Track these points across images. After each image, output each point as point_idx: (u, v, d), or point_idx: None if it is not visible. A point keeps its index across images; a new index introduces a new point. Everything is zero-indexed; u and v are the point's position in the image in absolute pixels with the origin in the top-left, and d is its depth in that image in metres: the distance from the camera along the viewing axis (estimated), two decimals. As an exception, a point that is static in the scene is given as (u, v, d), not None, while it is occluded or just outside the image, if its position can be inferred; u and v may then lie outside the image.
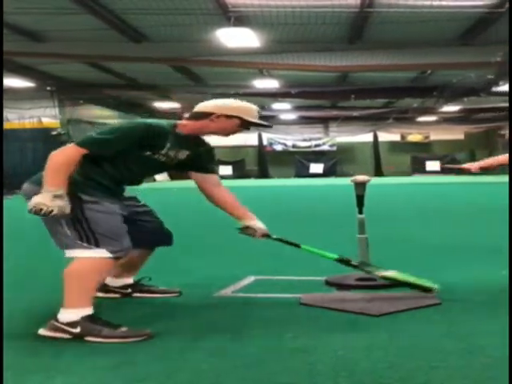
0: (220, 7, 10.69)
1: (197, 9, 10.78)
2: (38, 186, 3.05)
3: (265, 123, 3.78)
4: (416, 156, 32.64)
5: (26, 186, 3.22)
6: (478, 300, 3.61)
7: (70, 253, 3.11)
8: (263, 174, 32.80)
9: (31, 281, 4.54)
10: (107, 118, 22.99)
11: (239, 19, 11.20)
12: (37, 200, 2.94)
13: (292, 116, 29.95)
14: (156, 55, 14.59)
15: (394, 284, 4.01)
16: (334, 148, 33.36)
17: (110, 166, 3.20)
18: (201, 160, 3.60)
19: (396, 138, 33.20)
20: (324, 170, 32.50)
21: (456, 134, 32.34)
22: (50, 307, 3.25)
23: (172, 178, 29.77)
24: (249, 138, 32.84)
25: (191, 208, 12.49)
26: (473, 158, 32.10)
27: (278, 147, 33.82)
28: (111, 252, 3.09)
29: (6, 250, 4.98)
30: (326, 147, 33.61)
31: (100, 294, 3.62)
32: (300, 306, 3.58)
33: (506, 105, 22.50)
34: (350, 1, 10.34)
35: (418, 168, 32.22)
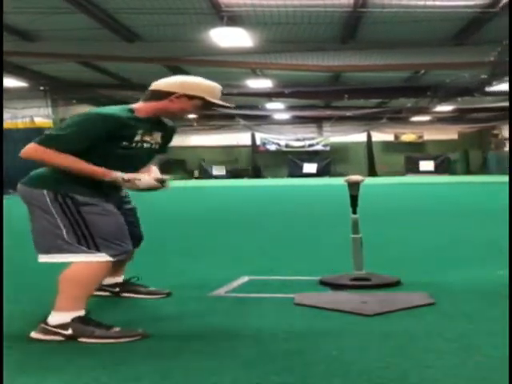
0: (213, 7, 10.68)
1: (190, 8, 10.77)
2: (32, 187, 3.03)
3: (228, 104, 3.43)
4: (410, 156, 32.69)
5: (19, 186, 3.13)
6: (473, 300, 3.61)
7: (53, 257, 3.00)
8: (256, 174, 32.80)
9: (23, 280, 4.51)
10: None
11: (232, 19, 11.19)
12: (145, 182, 3.05)
13: (285, 116, 29.95)
14: (149, 55, 14.55)
15: (388, 284, 4.02)
16: (328, 148, 33.38)
17: (100, 163, 3.05)
18: (166, 140, 3.41)
19: (390, 137, 33.25)
20: (317, 170, 32.52)
21: (450, 133, 32.41)
22: (44, 308, 3.24)
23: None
24: (242, 138, 32.89)
25: (183, 207, 12.49)
26: (466, 158, 32.26)
27: (272, 147, 33.82)
28: (112, 256, 3.02)
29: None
30: (319, 147, 33.63)
31: None
32: (294, 306, 3.57)
33: (500, 104, 22.56)
34: (343, 0, 10.34)
35: (412, 168, 32.27)
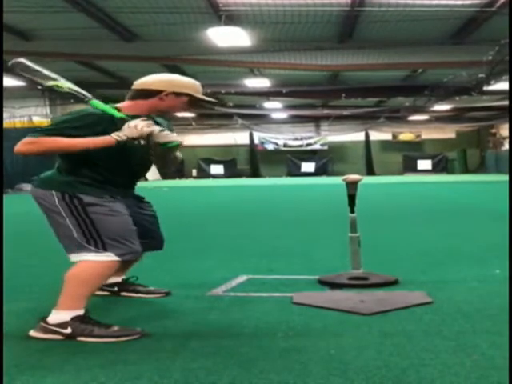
0: (211, 6, 10.69)
1: (188, 7, 10.79)
2: (41, 188, 3.08)
3: (212, 99, 3.46)
4: (407, 155, 32.74)
5: (31, 188, 3.18)
6: (470, 299, 3.61)
7: (76, 257, 3.03)
8: (254, 173, 32.81)
9: (23, 279, 4.51)
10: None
11: (230, 18, 11.21)
12: (130, 130, 2.96)
13: (283, 115, 29.97)
14: (147, 54, 14.57)
15: (385, 283, 4.03)
16: (326, 147, 33.41)
17: (101, 161, 3.09)
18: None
19: (387, 136, 33.29)
20: (315, 169, 32.57)
21: (447, 132, 32.46)
22: (43, 306, 3.24)
23: (163, 177, 29.75)
24: (240, 137, 32.89)
25: (183, 207, 12.49)
26: (464, 157, 32.28)
27: (270, 146, 33.85)
28: (119, 255, 3.04)
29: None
30: (317, 146, 33.67)
31: None
32: (292, 305, 3.57)
33: (498, 103, 22.60)
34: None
35: (410, 167, 32.32)
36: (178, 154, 3.24)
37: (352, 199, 4.21)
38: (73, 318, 2.95)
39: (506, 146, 29.18)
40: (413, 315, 3.26)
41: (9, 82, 17.39)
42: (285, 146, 33.64)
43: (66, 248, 3.10)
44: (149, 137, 3.01)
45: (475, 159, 32.82)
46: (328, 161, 32.83)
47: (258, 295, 3.85)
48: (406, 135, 33.51)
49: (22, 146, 2.98)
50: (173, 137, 3.07)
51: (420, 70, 18.06)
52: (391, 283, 4.06)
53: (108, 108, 3.11)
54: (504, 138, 30.52)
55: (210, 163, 32.91)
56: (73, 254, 3.05)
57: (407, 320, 3.17)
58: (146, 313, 3.49)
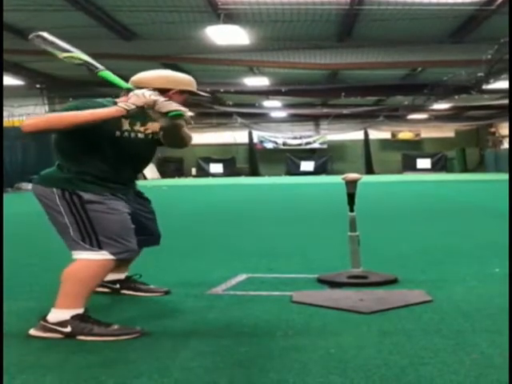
0: (210, 4, 10.69)
1: (187, 6, 10.78)
2: (42, 185, 3.08)
3: (205, 94, 3.54)
4: (407, 154, 32.75)
5: (32, 186, 3.19)
6: (469, 298, 3.61)
7: (74, 254, 3.05)
8: (254, 172, 32.81)
9: (23, 278, 4.51)
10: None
11: (229, 16, 11.21)
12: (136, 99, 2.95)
13: (282, 114, 29.96)
14: (146, 53, 14.56)
15: (385, 282, 4.03)
16: (325, 146, 33.42)
17: (99, 155, 3.10)
18: None
19: (387, 135, 33.30)
20: (315, 168, 32.57)
21: (447, 131, 32.47)
22: (43, 305, 3.24)
23: (163, 175, 29.74)
24: (239, 136, 32.88)
25: (182, 206, 12.49)
26: (463, 156, 32.29)
27: (269, 145, 33.85)
28: (114, 254, 3.03)
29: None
30: (316, 145, 33.67)
31: None
32: (291, 303, 3.57)
33: (497, 102, 22.60)
34: (340, -2, 10.37)
35: (409, 166, 32.34)
36: (183, 123, 3.21)
37: (351, 198, 4.21)
38: (73, 317, 2.95)
39: (506, 145, 29.21)
40: (412, 314, 3.27)
41: (7, 80, 17.39)
42: (284, 144, 33.64)
43: (66, 245, 3.11)
44: (154, 105, 3.00)
45: (474, 158, 32.82)
46: (327, 160, 32.84)
47: (258, 294, 3.85)
48: (406, 134, 33.53)
49: (29, 122, 2.98)
50: (177, 106, 3.07)
51: (419, 69, 18.07)
52: (391, 282, 4.06)
53: (117, 79, 3.15)
54: (503, 137, 30.54)
55: (209, 162, 32.91)
56: (72, 251, 3.07)
57: (407, 319, 3.18)
58: (146, 311, 3.49)
